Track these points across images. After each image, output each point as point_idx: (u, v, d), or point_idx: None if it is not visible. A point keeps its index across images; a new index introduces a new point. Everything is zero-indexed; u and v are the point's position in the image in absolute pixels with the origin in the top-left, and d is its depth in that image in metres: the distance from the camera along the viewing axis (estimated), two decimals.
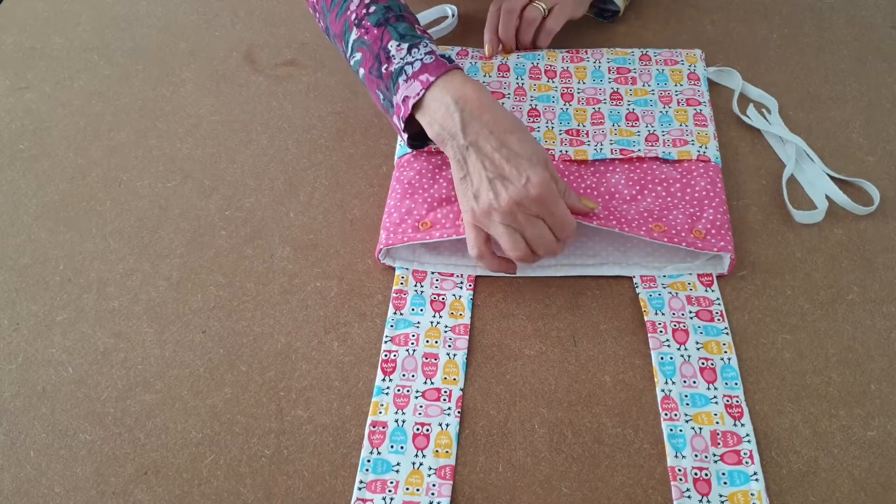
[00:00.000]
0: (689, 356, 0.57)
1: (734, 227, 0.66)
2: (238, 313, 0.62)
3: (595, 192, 0.65)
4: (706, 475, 0.52)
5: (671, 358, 0.57)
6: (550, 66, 0.76)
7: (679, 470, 0.52)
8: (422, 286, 0.63)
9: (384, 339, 0.60)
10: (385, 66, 0.61)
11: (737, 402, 0.55)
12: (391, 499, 0.51)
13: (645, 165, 0.67)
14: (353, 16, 0.64)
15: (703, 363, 0.57)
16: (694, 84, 0.75)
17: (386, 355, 0.59)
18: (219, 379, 0.58)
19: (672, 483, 0.52)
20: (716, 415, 0.55)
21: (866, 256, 0.64)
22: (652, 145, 0.69)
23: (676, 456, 0.53)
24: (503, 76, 0.75)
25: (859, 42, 0.83)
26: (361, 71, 0.64)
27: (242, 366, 0.59)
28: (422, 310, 0.61)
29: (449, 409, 0.56)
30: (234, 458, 0.54)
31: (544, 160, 0.56)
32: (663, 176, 0.66)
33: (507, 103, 0.73)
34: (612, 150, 0.68)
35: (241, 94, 0.80)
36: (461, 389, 0.57)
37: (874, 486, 0.51)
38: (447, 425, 0.55)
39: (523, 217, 0.55)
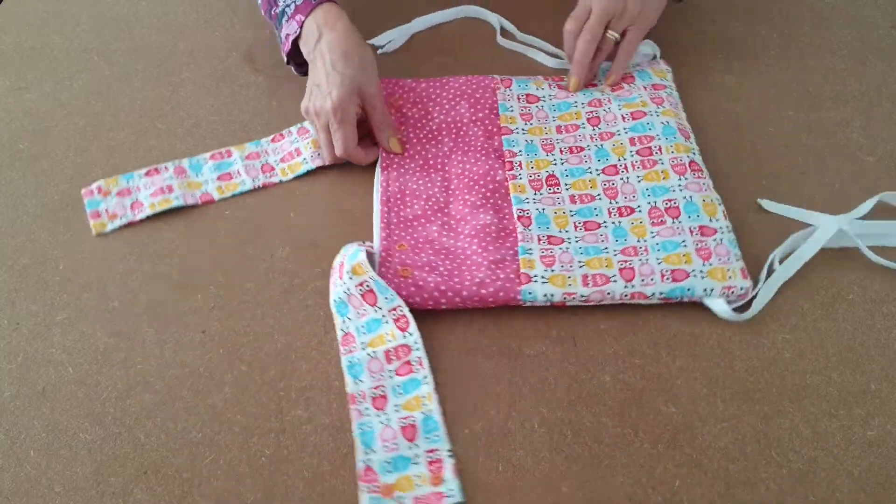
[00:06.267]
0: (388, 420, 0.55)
1: (735, 227, 0.66)
2: (238, 313, 0.62)
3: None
4: (382, 391, 0.56)
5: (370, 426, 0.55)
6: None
7: (359, 394, 0.56)
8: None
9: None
10: (273, 8, 0.74)
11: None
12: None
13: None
14: None
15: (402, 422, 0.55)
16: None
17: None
18: (219, 379, 0.58)
19: (352, 407, 0.55)
20: (388, 334, 0.58)
21: (866, 256, 0.64)
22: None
23: (356, 383, 0.57)
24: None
25: (859, 42, 0.83)
26: (262, 13, 0.77)
27: (242, 366, 0.59)
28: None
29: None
30: (234, 458, 0.54)
31: (359, 82, 0.68)
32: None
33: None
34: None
35: (240, 94, 0.80)
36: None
37: (874, 486, 0.51)
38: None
39: (319, 123, 0.69)
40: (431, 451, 0.53)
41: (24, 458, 0.54)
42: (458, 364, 0.58)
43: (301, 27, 0.70)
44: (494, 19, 0.86)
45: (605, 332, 0.60)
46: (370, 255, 0.62)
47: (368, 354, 0.58)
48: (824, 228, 0.63)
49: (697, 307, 0.61)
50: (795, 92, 0.78)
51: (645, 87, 0.74)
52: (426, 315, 0.61)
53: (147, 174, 0.71)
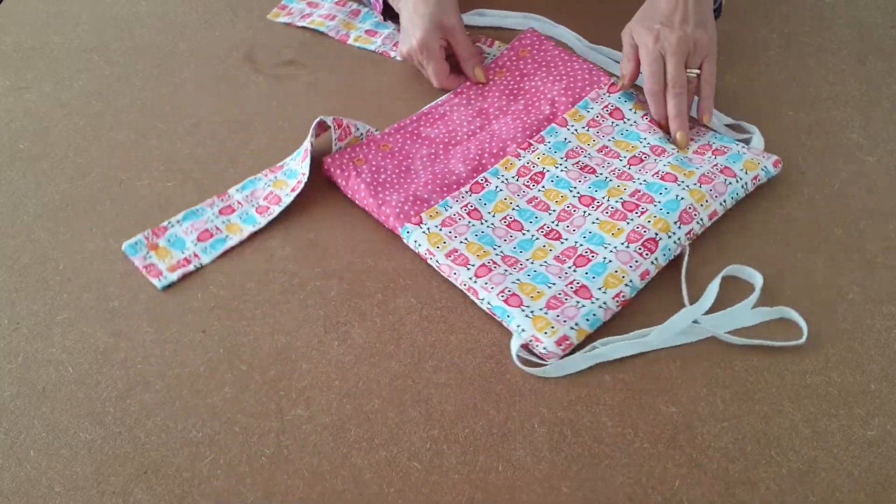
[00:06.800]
0: None
1: (736, 228, 0.66)
2: (238, 313, 0.62)
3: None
4: (235, 208, 0.68)
5: None
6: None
7: (228, 196, 0.69)
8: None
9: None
10: None
11: None
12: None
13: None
14: None
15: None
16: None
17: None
18: (219, 378, 0.58)
19: (216, 197, 0.69)
20: (288, 185, 0.70)
21: (866, 256, 0.64)
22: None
23: (237, 191, 0.70)
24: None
25: (859, 42, 0.83)
26: None
27: (242, 365, 0.59)
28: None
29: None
30: (234, 458, 0.54)
31: (439, 19, 0.74)
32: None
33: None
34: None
35: (241, 94, 0.80)
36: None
37: (874, 486, 0.51)
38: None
39: (414, 63, 0.78)
40: (196, 255, 0.66)
41: (25, 457, 0.54)
42: (459, 364, 0.58)
43: None
44: (565, 33, 0.84)
45: (605, 331, 0.60)
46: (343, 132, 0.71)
47: (266, 184, 0.70)
48: (661, 331, 0.58)
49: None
50: (795, 92, 0.78)
51: (716, 165, 0.67)
52: (427, 315, 0.61)
53: (336, 3, 0.90)
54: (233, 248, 0.66)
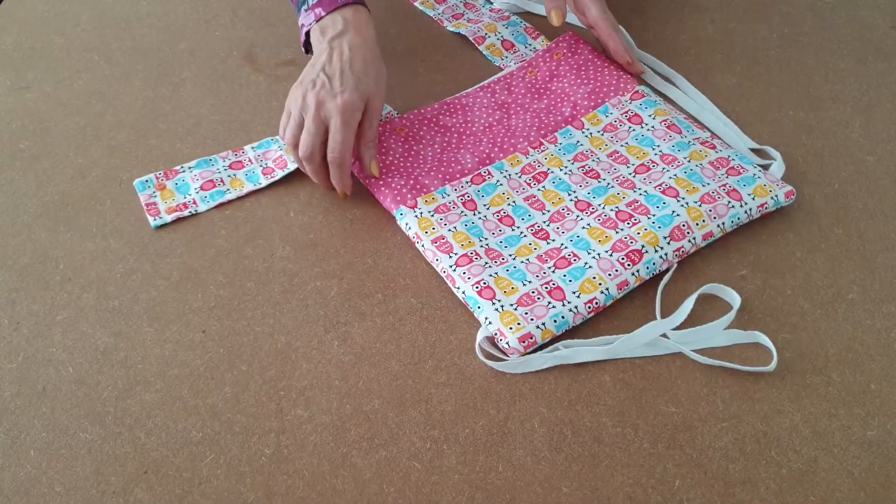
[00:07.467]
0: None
1: (735, 228, 0.66)
2: (238, 313, 0.62)
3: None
4: (244, 161, 0.72)
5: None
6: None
7: (241, 151, 0.71)
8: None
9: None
10: None
11: None
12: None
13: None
14: None
15: None
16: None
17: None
18: (219, 378, 0.58)
19: (230, 154, 0.72)
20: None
21: (866, 256, 0.64)
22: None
23: (252, 149, 0.73)
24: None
25: (859, 42, 0.83)
26: None
27: (242, 365, 0.59)
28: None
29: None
30: (234, 458, 0.54)
31: (370, 94, 0.66)
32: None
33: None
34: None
35: (241, 94, 0.80)
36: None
37: (874, 486, 0.51)
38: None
39: (314, 114, 0.64)
40: (195, 202, 0.69)
41: (25, 457, 0.54)
42: (458, 364, 0.58)
43: (319, 21, 0.68)
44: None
45: (605, 331, 0.60)
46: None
47: (280, 147, 0.73)
48: (624, 342, 0.58)
49: (696, 307, 0.61)
50: (795, 92, 0.78)
51: (725, 185, 0.65)
52: (427, 315, 0.61)
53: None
54: (234, 249, 0.66)
